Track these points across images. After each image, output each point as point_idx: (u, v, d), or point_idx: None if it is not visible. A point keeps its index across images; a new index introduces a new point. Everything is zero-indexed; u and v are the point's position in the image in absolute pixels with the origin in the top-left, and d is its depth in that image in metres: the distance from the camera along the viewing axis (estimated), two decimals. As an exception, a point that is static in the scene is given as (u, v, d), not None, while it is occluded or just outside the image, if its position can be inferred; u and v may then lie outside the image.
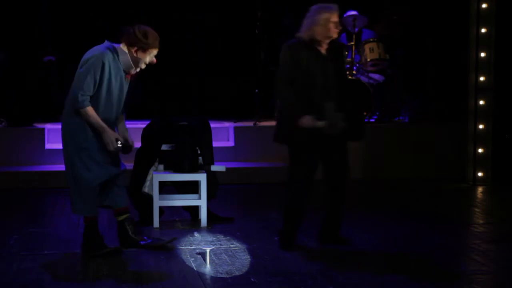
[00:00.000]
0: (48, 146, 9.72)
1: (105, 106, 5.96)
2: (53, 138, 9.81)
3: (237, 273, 5.62)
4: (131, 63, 5.98)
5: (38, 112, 10.36)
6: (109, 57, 5.89)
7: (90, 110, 5.87)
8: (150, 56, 6.02)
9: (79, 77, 5.89)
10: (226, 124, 10.25)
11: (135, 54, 5.96)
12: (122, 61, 5.96)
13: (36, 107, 10.40)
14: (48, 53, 10.91)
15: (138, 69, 6.07)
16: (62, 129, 6.05)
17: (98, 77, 5.86)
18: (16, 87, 10.30)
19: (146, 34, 5.96)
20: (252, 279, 5.48)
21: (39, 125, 9.93)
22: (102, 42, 6.11)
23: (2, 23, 10.69)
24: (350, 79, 10.28)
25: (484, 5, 9.46)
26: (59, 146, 9.58)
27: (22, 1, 10.97)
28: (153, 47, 5.99)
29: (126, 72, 6.02)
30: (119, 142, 5.97)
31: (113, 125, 6.05)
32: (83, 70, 5.88)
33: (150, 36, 5.96)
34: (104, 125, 5.92)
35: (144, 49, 5.97)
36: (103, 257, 5.99)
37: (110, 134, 5.93)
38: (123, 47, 5.98)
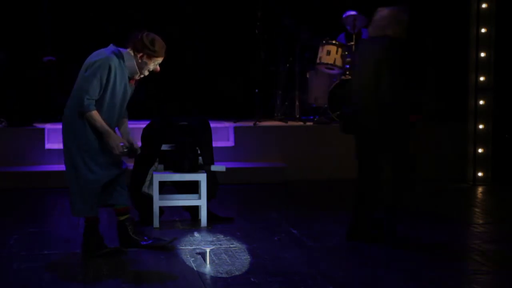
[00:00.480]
0: (48, 146, 9.72)
1: (107, 110, 5.96)
2: (53, 138, 9.81)
3: (237, 273, 5.62)
4: (136, 68, 6.00)
5: (38, 112, 10.36)
6: (115, 62, 5.90)
7: (95, 114, 5.87)
8: (154, 64, 6.04)
9: (85, 81, 5.87)
10: (226, 124, 10.25)
11: (140, 60, 5.97)
12: (127, 66, 5.97)
13: (36, 107, 10.40)
14: (48, 53, 10.91)
15: (142, 76, 6.08)
16: (63, 130, 6.04)
17: (104, 81, 5.87)
18: (16, 87, 10.30)
19: (154, 42, 5.97)
20: (252, 279, 5.48)
21: (39, 125, 9.93)
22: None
23: (2, 23, 10.69)
24: (350, 79, 10.30)
25: (484, 5, 9.47)
26: (59, 146, 9.63)
27: (22, 1, 10.97)
28: (159, 55, 6.01)
29: (130, 78, 6.03)
30: (125, 146, 5.98)
31: (113, 128, 6.05)
32: (89, 73, 5.87)
33: (157, 44, 5.98)
34: (109, 129, 5.93)
35: (150, 56, 5.98)
36: (103, 257, 5.99)
37: (115, 138, 5.94)
38: (129, 52, 5.98)
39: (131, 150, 6.07)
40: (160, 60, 6.06)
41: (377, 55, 6.34)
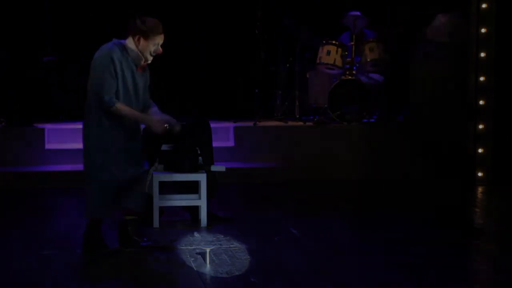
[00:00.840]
0: (48, 146, 9.71)
1: (124, 102, 5.98)
2: (53, 138, 9.81)
3: (237, 273, 5.62)
4: (139, 54, 6.01)
5: (38, 112, 10.36)
6: (116, 53, 5.93)
7: (120, 105, 5.90)
8: (154, 44, 6.04)
9: (96, 80, 5.90)
10: (226, 124, 10.24)
11: (138, 43, 6.00)
12: (130, 55, 5.99)
13: (36, 107, 10.40)
14: (48, 53, 10.91)
15: (148, 61, 6.09)
16: (83, 130, 6.08)
17: (113, 73, 5.88)
18: (16, 87, 10.30)
19: (145, 21, 6.02)
20: (252, 279, 5.48)
21: (39, 125, 9.93)
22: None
23: (2, 23, 10.69)
24: (350, 79, 10.30)
25: (484, 5, 9.46)
26: (59, 146, 9.72)
27: (22, 1, 10.97)
28: (154, 33, 6.02)
29: (137, 65, 6.05)
30: (163, 122, 6.04)
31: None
32: (97, 71, 5.91)
33: (148, 22, 6.01)
34: (140, 113, 6.02)
35: (145, 36, 6.00)
36: (103, 257, 5.99)
37: (151, 118, 6.03)
38: (129, 41, 6.02)
39: (171, 126, 6.13)
40: (158, 39, 6.06)
41: (452, 59, 6.48)
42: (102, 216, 6.08)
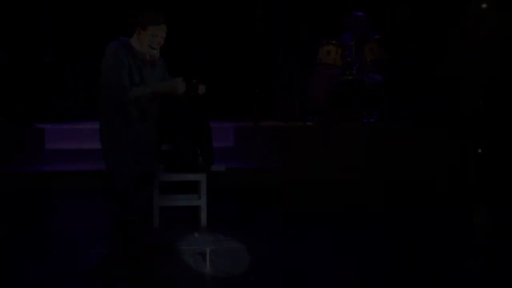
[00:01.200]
0: (48, 146, 9.71)
1: None
2: (53, 138, 9.81)
3: (237, 273, 5.62)
4: (142, 46, 6.05)
5: (38, 112, 10.36)
6: (121, 49, 6.00)
7: (132, 90, 5.90)
8: (153, 36, 6.07)
9: (107, 78, 5.95)
10: (226, 124, 10.24)
11: (139, 36, 6.04)
12: (135, 49, 6.03)
13: (36, 107, 10.40)
14: (48, 53, 10.92)
15: (153, 55, 6.11)
16: (99, 128, 6.13)
17: (121, 65, 5.90)
18: (16, 87, 10.30)
19: (143, 13, 6.08)
20: (252, 279, 5.48)
21: (39, 125, 9.93)
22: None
23: (2, 23, 10.70)
24: (351, 79, 10.30)
25: (484, 5, 9.47)
26: (59, 146, 9.71)
27: (22, 1, 10.97)
28: (152, 23, 6.07)
29: (143, 60, 6.07)
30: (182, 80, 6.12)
31: (149, 116, 6.10)
32: (105, 68, 6.01)
33: (146, 14, 6.09)
34: (157, 83, 6.08)
35: (143, 26, 6.05)
36: (102, 258, 6.00)
37: (167, 83, 6.05)
38: (133, 37, 6.08)
39: (192, 83, 6.18)
40: (157, 30, 6.11)
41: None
42: (125, 215, 6.12)
